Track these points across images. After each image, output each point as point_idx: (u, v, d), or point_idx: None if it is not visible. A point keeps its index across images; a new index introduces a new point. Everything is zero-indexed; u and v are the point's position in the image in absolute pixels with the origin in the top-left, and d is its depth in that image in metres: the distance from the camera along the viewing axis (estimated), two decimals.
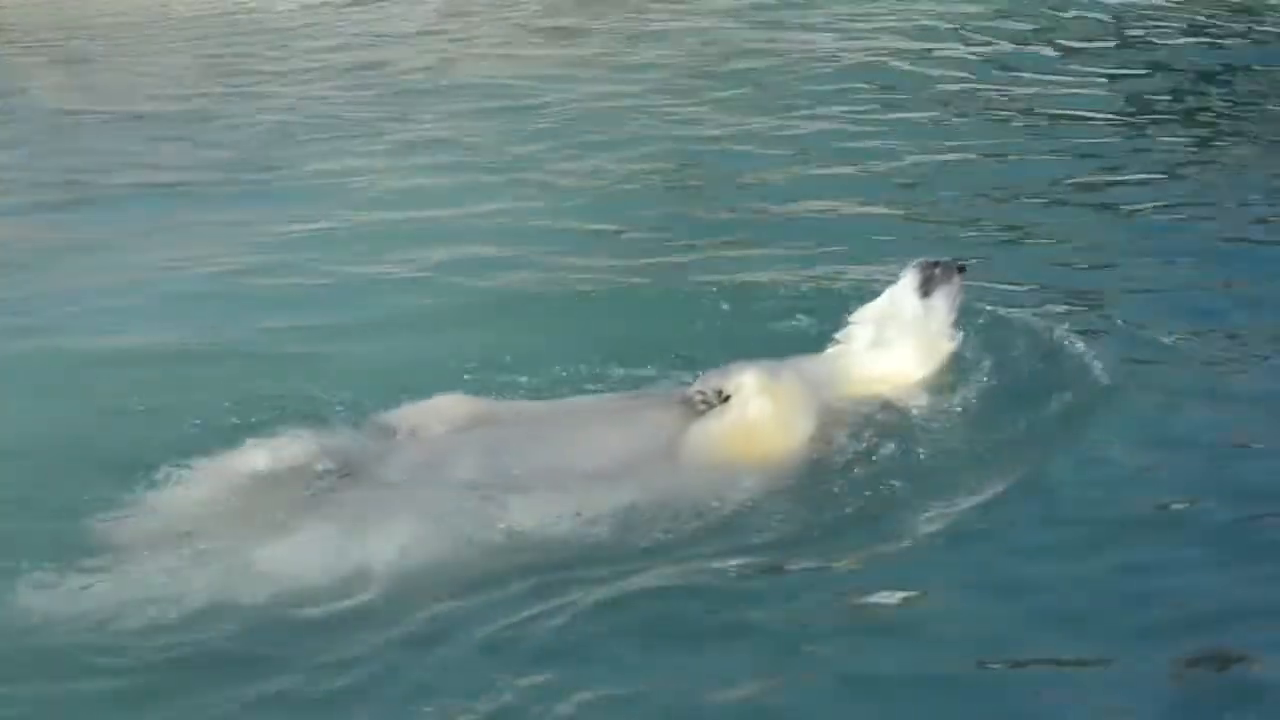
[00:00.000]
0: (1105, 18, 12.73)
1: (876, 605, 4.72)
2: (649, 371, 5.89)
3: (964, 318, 5.75)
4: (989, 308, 6.26)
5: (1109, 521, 5.04)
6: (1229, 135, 9.59)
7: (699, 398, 5.27)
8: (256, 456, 5.17)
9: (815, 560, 4.88)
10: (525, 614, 4.64)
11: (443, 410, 5.41)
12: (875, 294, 5.88)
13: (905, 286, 5.65)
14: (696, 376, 5.43)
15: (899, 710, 4.27)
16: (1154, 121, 9.90)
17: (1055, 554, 4.90)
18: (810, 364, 5.54)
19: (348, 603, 4.69)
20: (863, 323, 5.65)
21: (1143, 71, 11.18)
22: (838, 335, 5.70)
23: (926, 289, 5.62)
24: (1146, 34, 12.26)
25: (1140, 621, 4.56)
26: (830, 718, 4.27)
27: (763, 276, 7.23)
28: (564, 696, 4.30)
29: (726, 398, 5.22)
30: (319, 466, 5.15)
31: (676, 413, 5.31)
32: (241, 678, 4.45)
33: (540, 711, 4.24)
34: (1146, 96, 10.49)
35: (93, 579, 4.76)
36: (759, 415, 5.16)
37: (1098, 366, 5.88)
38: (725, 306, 6.62)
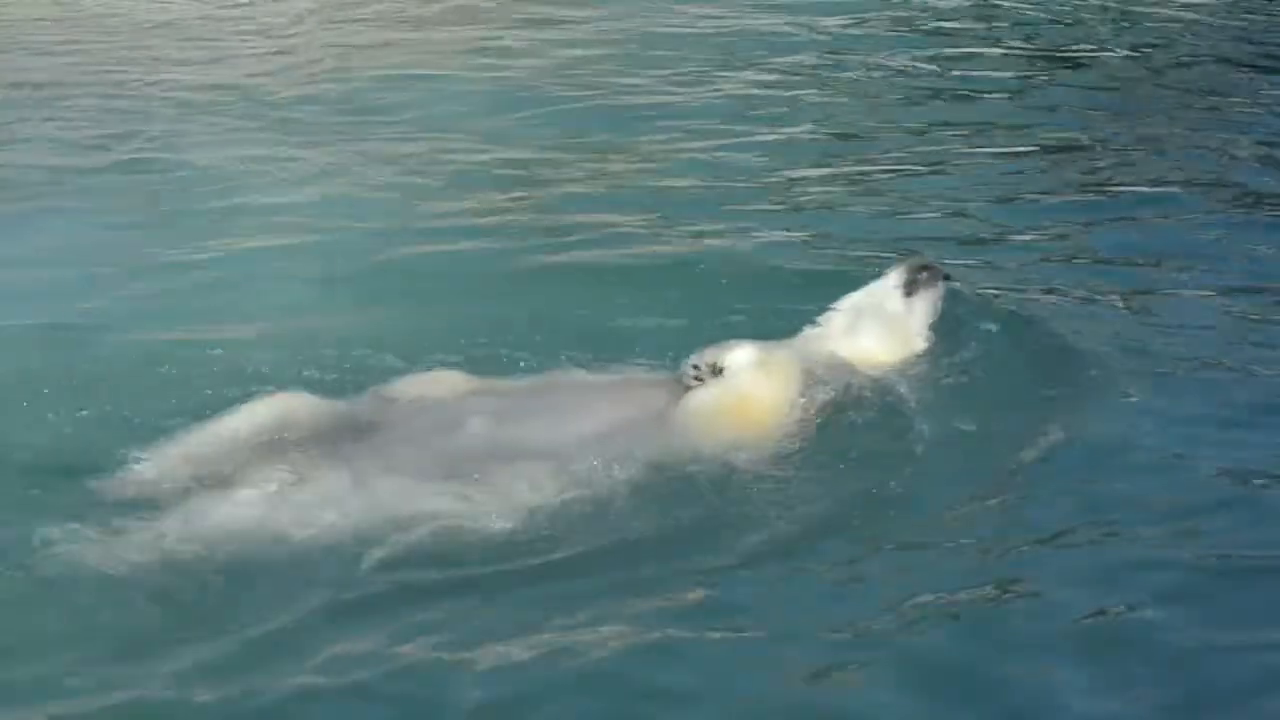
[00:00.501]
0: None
1: (854, 575, 4.89)
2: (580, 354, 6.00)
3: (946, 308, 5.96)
4: (967, 292, 6.47)
5: (1095, 504, 5.24)
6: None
7: (693, 372, 5.48)
8: (263, 410, 5.29)
9: (799, 530, 5.06)
10: (524, 577, 4.79)
11: (443, 382, 5.56)
12: (847, 279, 6.15)
13: (889, 283, 5.87)
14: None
15: (881, 687, 4.39)
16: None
17: (1028, 531, 5.11)
18: (790, 344, 5.74)
19: (352, 557, 4.80)
20: (842, 310, 5.86)
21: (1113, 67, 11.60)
22: (817, 319, 5.88)
23: (910, 289, 5.84)
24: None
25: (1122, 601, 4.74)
26: (805, 683, 4.41)
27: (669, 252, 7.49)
28: (552, 665, 4.43)
29: (720, 371, 5.43)
30: (326, 425, 5.27)
31: (670, 386, 5.52)
32: (243, 629, 4.55)
33: (530, 681, 4.38)
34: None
35: (100, 535, 4.84)
36: (753, 388, 5.39)
37: (1074, 352, 6.16)
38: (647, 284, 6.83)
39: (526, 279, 7.11)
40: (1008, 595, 4.80)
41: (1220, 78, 11.06)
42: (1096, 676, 4.39)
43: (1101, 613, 4.69)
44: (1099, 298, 6.94)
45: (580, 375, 5.75)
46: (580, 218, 8.06)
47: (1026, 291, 6.96)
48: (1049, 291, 6.99)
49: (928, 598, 4.76)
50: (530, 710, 4.28)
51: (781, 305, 6.36)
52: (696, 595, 4.75)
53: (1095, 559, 4.96)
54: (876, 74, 11.08)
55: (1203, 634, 4.58)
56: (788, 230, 7.90)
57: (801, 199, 8.52)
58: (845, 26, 12.33)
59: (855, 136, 9.66)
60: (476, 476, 5.06)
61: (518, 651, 4.46)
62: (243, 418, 5.28)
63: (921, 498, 5.26)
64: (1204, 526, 5.13)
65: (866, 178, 8.86)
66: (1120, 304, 6.88)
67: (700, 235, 7.78)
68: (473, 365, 5.79)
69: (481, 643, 4.49)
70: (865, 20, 12.56)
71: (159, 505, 5.00)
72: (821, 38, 12.00)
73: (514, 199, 8.40)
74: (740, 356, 5.43)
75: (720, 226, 7.90)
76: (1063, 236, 7.89)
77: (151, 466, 5.14)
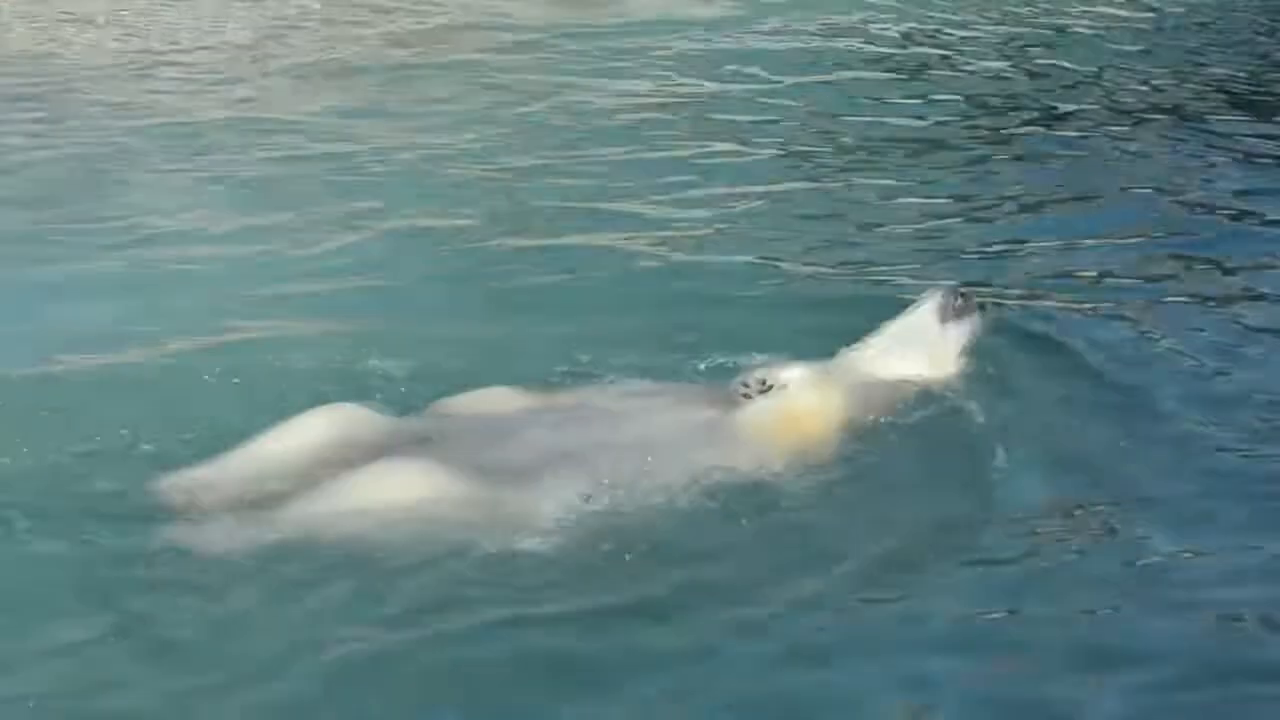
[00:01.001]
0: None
1: (887, 585, 5.11)
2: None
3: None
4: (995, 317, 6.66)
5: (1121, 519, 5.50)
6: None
7: (743, 389, 5.73)
8: (323, 420, 5.40)
9: (841, 542, 5.28)
10: (585, 584, 4.96)
11: (497, 398, 5.75)
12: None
13: (926, 310, 6.10)
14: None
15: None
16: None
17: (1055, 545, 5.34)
18: (833, 366, 6.00)
19: (415, 566, 4.97)
20: (881, 335, 6.10)
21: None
22: (854, 344, 6.11)
23: (946, 317, 6.08)
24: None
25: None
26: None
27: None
28: (602, 668, 4.64)
29: (769, 388, 5.69)
30: (385, 437, 5.40)
31: (718, 401, 5.76)
32: (294, 637, 4.68)
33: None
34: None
35: (167, 539, 5.01)
36: (804, 404, 5.66)
37: (1096, 370, 6.46)
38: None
39: (492, 302, 7.26)
40: (1038, 614, 5.00)
41: (1197, 87, 11.61)
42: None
43: (1178, 639, 4.85)
44: (1110, 311, 7.23)
45: (629, 388, 5.95)
46: (541, 240, 8.19)
47: (1034, 309, 7.25)
48: (1060, 307, 7.27)
49: (954, 611, 4.98)
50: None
51: (750, 328, 6.62)
52: (741, 604, 4.94)
53: (1124, 580, 5.17)
54: (838, 95, 11.32)
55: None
56: (762, 253, 8.07)
57: (774, 220, 8.70)
58: (803, 49, 12.62)
59: (817, 158, 9.86)
60: (536, 485, 5.24)
61: (578, 656, 4.68)
62: (302, 427, 5.39)
63: (955, 512, 5.49)
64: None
65: (832, 199, 9.06)
66: (1128, 317, 7.17)
67: (666, 258, 7.98)
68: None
69: (538, 654, 4.66)
70: (823, 42, 12.89)
71: (218, 513, 5.11)
72: (783, 59, 12.28)
73: (477, 223, 8.47)
74: (791, 375, 5.70)
75: (687, 249, 8.13)
76: (1055, 249, 8.16)
77: (211, 474, 5.24)
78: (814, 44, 12.92)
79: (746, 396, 5.71)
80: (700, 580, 5.05)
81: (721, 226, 8.56)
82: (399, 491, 5.10)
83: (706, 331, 6.65)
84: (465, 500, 5.12)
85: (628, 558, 5.09)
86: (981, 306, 6.22)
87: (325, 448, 5.31)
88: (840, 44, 12.93)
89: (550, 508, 5.17)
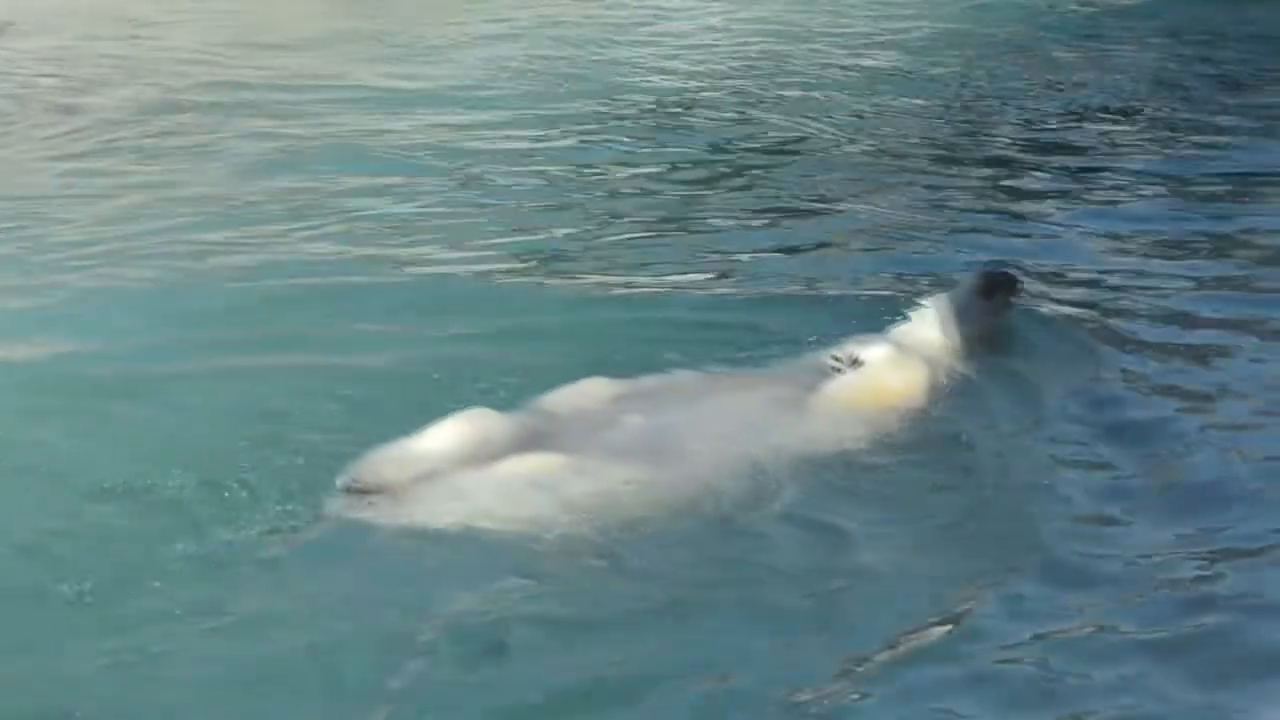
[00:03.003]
0: None
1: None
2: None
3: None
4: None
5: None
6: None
7: (833, 363, 6.41)
8: (466, 423, 5.88)
9: (921, 504, 5.87)
10: (695, 553, 5.47)
11: (593, 391, 6.24)
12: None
13: (970, 288, 6.91)
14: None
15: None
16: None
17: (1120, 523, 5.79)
18: (905, 340, 6.70)
19: (548, 541, 5.48)
20: (930, 311, 6.84)
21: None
22: (904, 321, 6.83)
23: (988, 293, 6.89)
24: None
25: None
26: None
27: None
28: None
29: (858, 363, 6.38)
30: (517, 435, 5.89)
31: (801, 379, 6.40)
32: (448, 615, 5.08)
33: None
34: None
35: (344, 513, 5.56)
36: (890, 376, 6.38)
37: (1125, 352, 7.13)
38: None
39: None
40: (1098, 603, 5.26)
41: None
42: None
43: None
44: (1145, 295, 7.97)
45: (712, 372, 6.51)
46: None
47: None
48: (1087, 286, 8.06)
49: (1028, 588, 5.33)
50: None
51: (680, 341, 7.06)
52: (844, 570, 5.42)
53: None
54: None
55: None
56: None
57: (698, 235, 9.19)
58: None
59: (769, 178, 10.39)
60: (640, 466, 5.76)
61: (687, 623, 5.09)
62: (450, 427, 5.86)
63: (1015, 474, 6.12)
64: None
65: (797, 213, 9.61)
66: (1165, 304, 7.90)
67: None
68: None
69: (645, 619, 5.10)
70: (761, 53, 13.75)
71: (389, 493, 5.61)
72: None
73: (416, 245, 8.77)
74: (877, 351, 6.43)
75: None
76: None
77: (381, 463, 5.71)
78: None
79: (837, 370, 6.38)
80: (804, 545, 5.54)
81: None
82: (527, 480, 5.66)
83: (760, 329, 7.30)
84: (584, 487, 5.66)
85: (730, 529, 5.61)
86: (1018, 283, 7.02)
87: (468, 443, 5.82)
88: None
89: (655, 486, 5.70)
